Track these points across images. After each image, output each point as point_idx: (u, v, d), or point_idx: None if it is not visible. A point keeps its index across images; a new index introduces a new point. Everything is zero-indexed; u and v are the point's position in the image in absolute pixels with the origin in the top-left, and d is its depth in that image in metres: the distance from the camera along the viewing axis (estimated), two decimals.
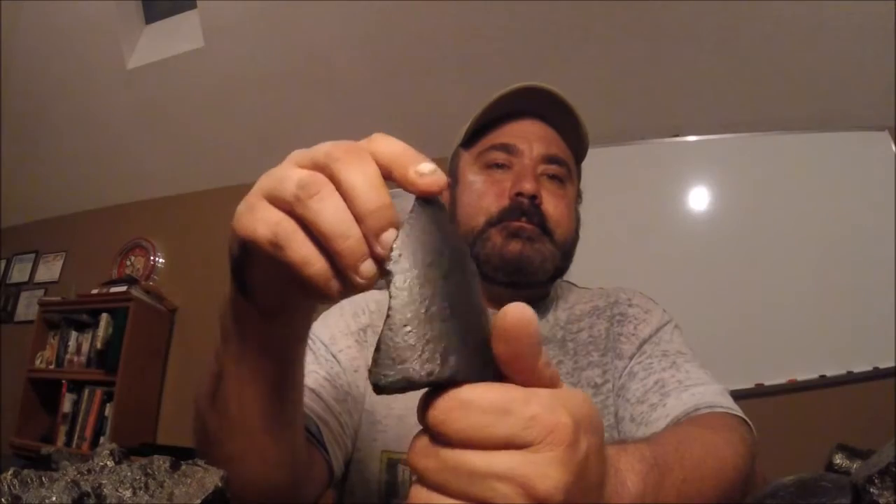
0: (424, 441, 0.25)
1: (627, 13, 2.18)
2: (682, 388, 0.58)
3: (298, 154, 0.31)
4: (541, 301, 0.75)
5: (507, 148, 0.72)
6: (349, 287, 0.28)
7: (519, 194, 0.68)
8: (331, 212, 0.27)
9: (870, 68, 2.09)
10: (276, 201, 0.30)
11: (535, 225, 0.68)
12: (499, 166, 0.72)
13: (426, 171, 0.28)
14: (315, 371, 0.62)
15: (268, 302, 0.36)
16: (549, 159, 0.71)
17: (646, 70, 2.33)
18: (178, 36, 2.77)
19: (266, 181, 0.31)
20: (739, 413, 0.54)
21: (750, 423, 0.54)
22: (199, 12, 2.64)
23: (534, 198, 0.68)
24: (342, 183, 0.28)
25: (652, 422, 0.57)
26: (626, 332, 0.69)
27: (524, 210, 0.68)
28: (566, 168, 0.73)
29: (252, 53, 2.65)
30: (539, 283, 0.71)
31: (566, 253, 0.72)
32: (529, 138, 0.72)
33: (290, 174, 0.30)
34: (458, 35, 2.39)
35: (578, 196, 0.78)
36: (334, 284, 0.29)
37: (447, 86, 2.45)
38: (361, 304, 0.73)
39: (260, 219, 0.30)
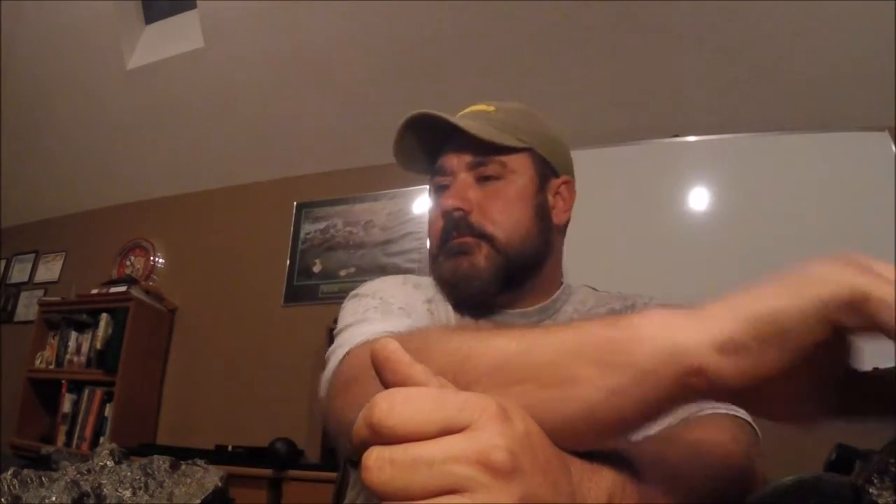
0: (373, 455, 0.25)
1: (627, 13, 2.18)
2: None
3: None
4: (542, 302, 0.75)
5: (442, 170, 0.75)
6: None
7: (445, 212, 0.72)
8: None
9: (870, 68, 2.09)
10: None
11: (469, 235, 0.70)
12: (443, 188, 0.75)
13: None
14: (396, 327, 0.60)
15: None
16: (476, 164, 0.73)
17: (646, 70, 2.33)
18: (177, 36, 2.78)
19: None
20: (743, 415, 0.55)
21: (754, 424, 0.55)
22: (199, 12, 2.64)
23: (458, 210, 0.70)
24: None
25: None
26: None
27: (455, 224, 0.71)
28: (498, 164, 0.73)
29: (252, 53, 2.65)
30: (488, 293, 0.70)
31: (517, 250, 0.71)
32: (457, 153, 0.74)
33: None
34: (458, 35, 2.39)
35: (543, 178, 0.76)
36: None
37: (447, 86, 2.44)
38: (413, 278, 0.78)
39: None
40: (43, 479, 0.27)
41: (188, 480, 0.29)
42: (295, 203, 2.95)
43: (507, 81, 2.39)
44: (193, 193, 3.20)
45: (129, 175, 3.24)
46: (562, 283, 0.79)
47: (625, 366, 0.32)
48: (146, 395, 2.79)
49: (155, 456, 0.29)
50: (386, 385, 0.28)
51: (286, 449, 2.15)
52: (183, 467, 0.30)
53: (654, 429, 0.54)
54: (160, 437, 2.78)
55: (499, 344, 0.37)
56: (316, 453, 2.35)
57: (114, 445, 0.30)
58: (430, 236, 0.76)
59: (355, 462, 0.27)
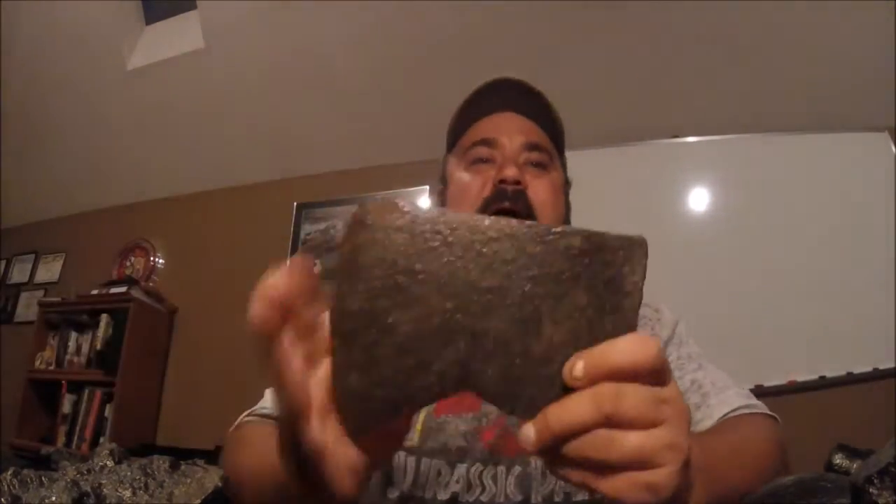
0: (642, 391, 0.29)
1: (628, 13, 2.18)
2: (717, 391, 0.62)
3: None
4: None
5: (487, 142, 0.73)
6: None
7: (502, 181, 0.68)
8: None
9: (870, 68, 2.09)
10: None
11: (520, 210, 0.68)
12: (482, 161, 0.73)
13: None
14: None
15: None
16: (530, 147, 0.73)
17: (646, 70, 2.33)
18: (178, 36, 2.77)
19: None
20: (769, 412, 0.60)
21: (777, 418, 0.60)
22: (199, 12, 2.64)
23: (517, 183, 0.68)
24: None
25: (696, 421, 0.59)
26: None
27: (508, 196, 0.68)
28: (548, 154, 0.74)
29: (252, 54, 2.65)
30: None
31: None
32: (508, 130, 0.73)
33: None
34: (457, 35, 2.39)
35: (566, 183, 0.78)
36: None
37: (447, 86, 2.44)
38: None
39: None
40: (43, 479, 0.27)
41: (188, 480, 0.29)
42: (295, 203, 2.95)
43: None
44: (193, 194, 3.20)
45: (130, 175, 3.24)
46: None
47: None
48: (146, 396, 2.79)
49: (155, 456, 0.30)
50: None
51: None
52: (182, 467, 0.30)
53: (708, 423, 0.59)
54: (160, 437, 2.78)
55: None
56: None
57: (114, 445, 0.30)
58: (457, 200, 0.72)
59: None
